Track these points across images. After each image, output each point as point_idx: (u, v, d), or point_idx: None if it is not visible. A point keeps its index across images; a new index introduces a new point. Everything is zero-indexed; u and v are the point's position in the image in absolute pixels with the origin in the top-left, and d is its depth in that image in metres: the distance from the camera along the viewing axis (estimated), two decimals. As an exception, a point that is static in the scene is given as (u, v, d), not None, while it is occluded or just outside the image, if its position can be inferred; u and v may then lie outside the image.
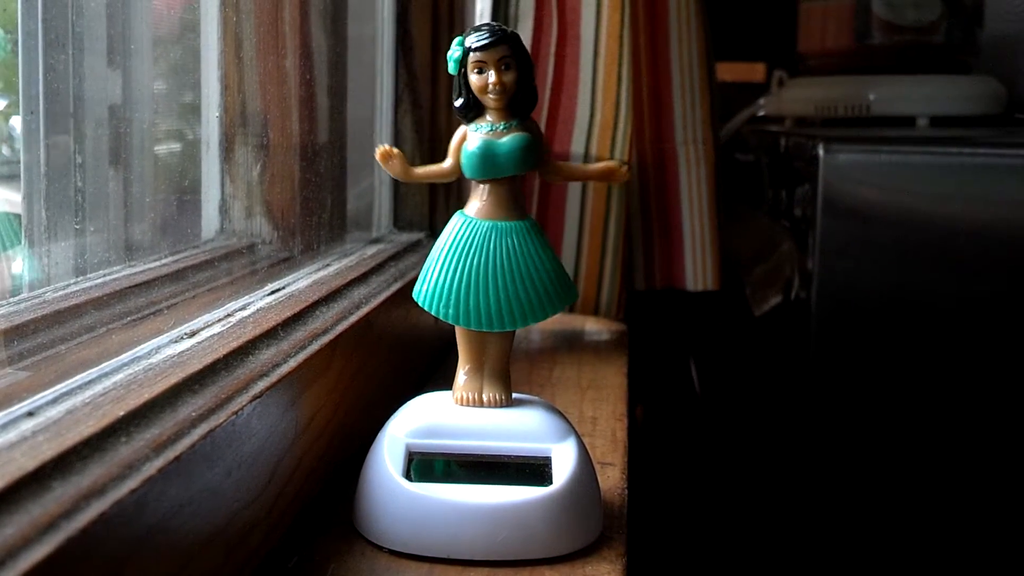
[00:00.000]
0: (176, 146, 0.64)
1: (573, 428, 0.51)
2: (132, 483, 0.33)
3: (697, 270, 1.01)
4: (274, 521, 0.46)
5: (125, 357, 0.44)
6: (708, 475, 1.31)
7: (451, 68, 0.49)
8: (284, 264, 0.66)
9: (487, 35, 0.48)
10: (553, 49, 0.93)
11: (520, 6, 0.93)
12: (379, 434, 0.51)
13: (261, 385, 0.45)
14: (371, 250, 0.79)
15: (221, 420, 0.40)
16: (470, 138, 0.49)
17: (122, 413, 0.37)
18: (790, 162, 1.07)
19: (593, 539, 0.49)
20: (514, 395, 0.51)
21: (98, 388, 0.40)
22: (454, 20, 0.94)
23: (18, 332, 0.43)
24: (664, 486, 1.27)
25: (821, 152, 0.96)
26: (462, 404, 0.50)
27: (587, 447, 0.51)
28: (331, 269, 0.69)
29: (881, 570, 0.98)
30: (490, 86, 0.48)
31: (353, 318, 0.59)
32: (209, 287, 0.57)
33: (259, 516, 0.44)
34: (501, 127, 0.49)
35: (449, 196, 0.93)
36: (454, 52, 0.49)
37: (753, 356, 1.25)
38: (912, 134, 1.15)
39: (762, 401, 1.18)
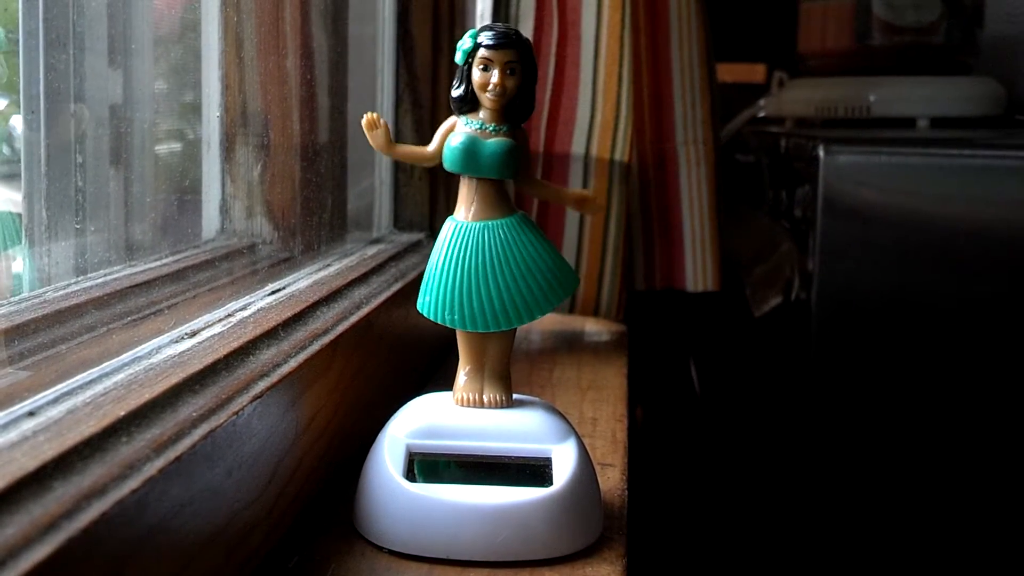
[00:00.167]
0: (177, 146, 0.64)
1: (573, 429, 0.51)
2: (133, 483, 0.33)
3: (697, 271, 1.01)
4: (274, 521, 0.46)
5: (126, 357, 0.44)
6: (708, 475, 1.31)
7: (458, 58, 0.49)
8: (285, 264, 0.66)
9: (500, 36, 0.48)
10: (554, 49, 0.93)
11: (521, 6, 0.93)
12: (379, 434, 0.51)
13: (262, 385, 0.45)
14: (371, 250, 0.79)
15: (222, 420, 0.40)
16: (457, 131, 0.50)
17: (123, 413, 0.37)
18: (790, 163, 1.07)
19: (593, 540, 0.49)
20: (514, 396, 0.51)
21: (99, 388, 0.40)
22: (455, 20, 0.94)
23: (19, 332, 0.42)
24: (664, 487, 1.27)
25: (821, 153, 0.96)
26: (462, 405, 0.50)
27: (587, 448, 0.51)
28: (332, 269, 0.69)
29: (881, 570, 0.98)
30: (491, 86, 0.48)
31: (354, 318, 0.59)
32: (210, 287, 0.57)
33: (260, 516, 0.44)
34: (491, 128, 0.49)
35: (450, 197, 0.93)
36: (464, 43, 0.49)
37: (753, 357, 1.25)
38: (912, 135, 1.15)
39: (762, 402, 1.18)
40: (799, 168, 1.03)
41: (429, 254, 0.50)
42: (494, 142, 0.49)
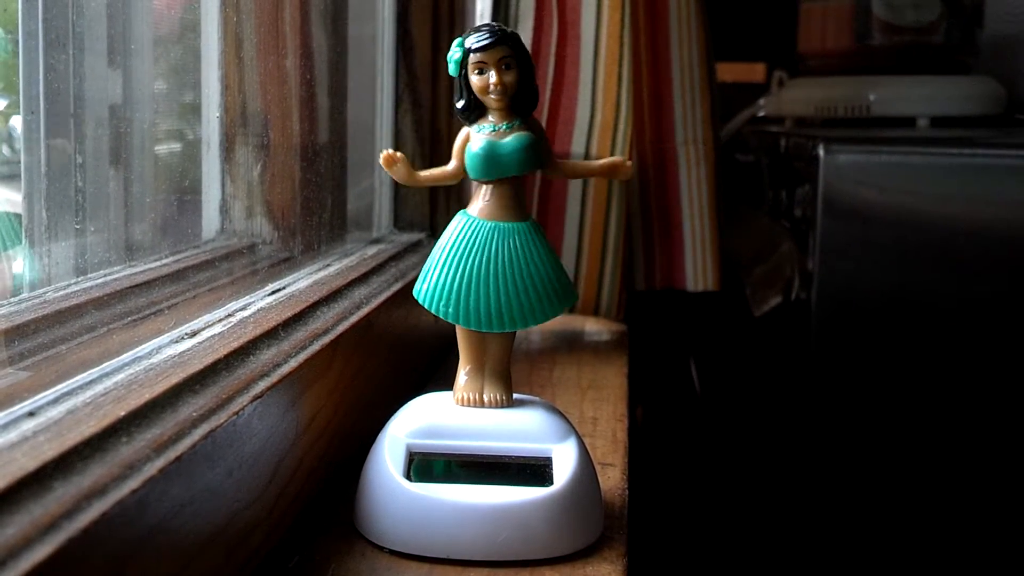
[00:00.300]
0: (176, 146, 0.64)
1: (574, 428, 0.51)
2: (133, 483, 0.33)
3: (697, 270, 1.01)
4: (275, 521, 0.46)
5: (126, 357, 0.44)
6: (708, 475, 1.31)
7: (452, 70, 0.49)
8: (285, 264, 0.66)
9: (487, 35, 0.48)
10: (553, 49, 0.93)
11: (520, 6, 0.93)
12: (380, 434, 0.51)
13: (262, 385, 0.45)
14: (371, 250, 0.79)
15: (222, 420, 0.40)
16: (473, 139, 0.49)
17: (123, 413, 0.37)
18: (790, 162, 1.07)
19: (594, 539, 0.49)
20: (515, 395, 0.51)
21: (99, 388, 0.40)
22: (454, 20, 0.94)
23: (19, 332, 0.42)
24: (664, 486, 1.27)
25: (821, 152, 0.96)
26: (463, 404, 0.50)
27: (587, 447, 0.51)
28: (332, 269, 0.69)
29: (881, 570, 0.98)
30: (491, 86, 0.48)
31: (354, 318, 0.59)
32: (210, 287, 0.57)
33: (260, 516, 0.44)
34: (504, 127, 0.49)
35: (449, 196, 0.93)
36: (454, 54, 0.49)
37: (753, 357, 1.25)
38: (912, 134, 1.15)
39: (762, 402, 1.18)
40: (799, 168, 1.03)
41: (430, 252, 0.50)
42: (512, 139, 0.49)
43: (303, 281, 0.64)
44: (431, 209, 0.92)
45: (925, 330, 0.96)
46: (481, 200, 0.50)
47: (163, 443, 0.36)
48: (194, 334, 0.49)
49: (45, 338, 0.43)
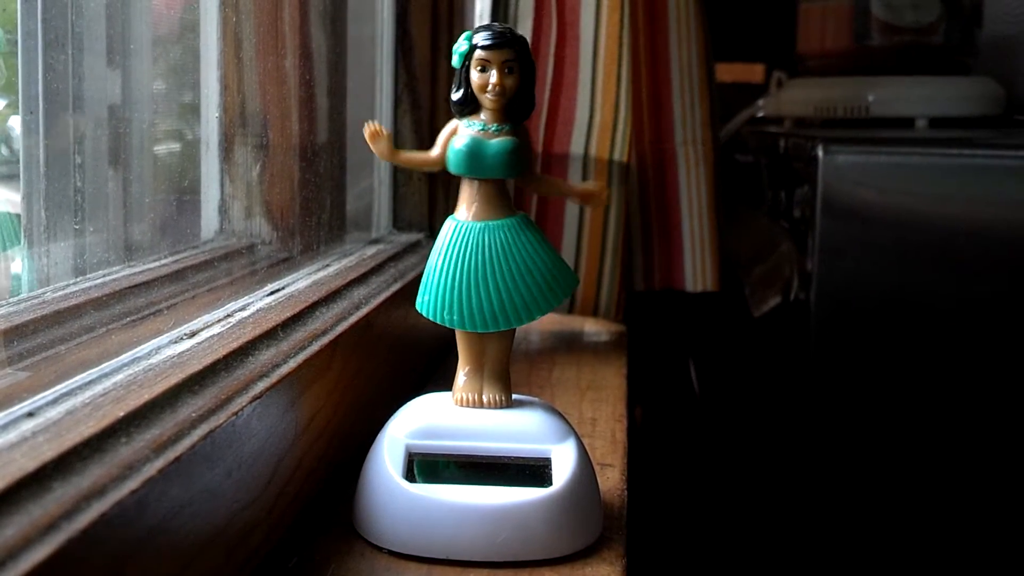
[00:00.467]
0: (175, 146, 0.64)
1: (573, 429, 0.51)
2: (132, 484, 0.33)
3: (696, 271, 1.01)
4: (274, 522, 0.46)
5: (125, 358, 0.44)
6: (707, 476, 1.31)
7: (455, 61, 0.49)
8: (284, 264, 0.66)
9: (496, 36, 0.48)
10: (552, 50, 0.93)
11: (520, 7, 0.93)
12: (379, 435, 0.51)
13: (261, 386, 0.45)
14: (371, 250, 0.79)
15: (221, 421, 0.40)
16: (460, 134, 0.49)
17: (122, 414, 0.37)
18: (789, 163, 1.07)
19: (593, 540, 0.49)
20: (514, 396, 0.51)
21: (98, 389, 0.40)
22: (454, 21, 0.94)
23: (18, 332, 0.42)
24: (664, 487, 1.27)
25: (820, 153, 0.96)
26: (462, 405, 0.50)
27: (587, 448, 0.51)
28: (331, 270, 0.69)
29: (881, 570, 0.98)
30: (490, 86, 0.48)
31: (353, 319, 0.59)
32: (209, 287, 0.57)
33: (259, 517, 0.44)
34: (493, 128, 0.49)
35: (448, 197, 0.93)
36: (460, 46, 0.49)
37: (752, 357, 1.25)
38: (911, 135, 1.15)
39: (761, 402, 1.18)
40: (798, 168, 1.03)
41: (428, 254, 0.50)
42: (497, 142, 0.49)
43: (302, 281, 0.64)
44: (430, 209, 0.92)
45: (924, 330, 0.96)
46: (468, 203, 0.50)
47: (162, 444, 0.36)
48: (193, 334, 0.49)
49: (44, 338, 0.43)
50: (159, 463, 0.35)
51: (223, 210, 0.65)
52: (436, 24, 0.92)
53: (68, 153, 0.52)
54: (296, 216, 0.68)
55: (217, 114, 0.64)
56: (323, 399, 0.53)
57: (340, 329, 0.56)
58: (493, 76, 0.48)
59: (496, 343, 0.50)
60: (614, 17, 0.91)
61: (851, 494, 0.98)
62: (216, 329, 0.50)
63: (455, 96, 0.49)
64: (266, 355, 0.49)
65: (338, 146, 0.77)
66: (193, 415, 0.40)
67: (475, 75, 0.48)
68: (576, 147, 0.93)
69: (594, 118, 0.92)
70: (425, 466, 0.49)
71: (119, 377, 0.41)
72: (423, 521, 0.47)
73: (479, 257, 0.49)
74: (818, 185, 0.96)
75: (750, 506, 1.18)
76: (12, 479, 0.30)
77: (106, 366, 0.43)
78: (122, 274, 0.53)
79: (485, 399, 0.50)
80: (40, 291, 0.48)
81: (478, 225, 0.49)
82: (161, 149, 0.62)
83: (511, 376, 0.51)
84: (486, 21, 1.05)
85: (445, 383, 0.52)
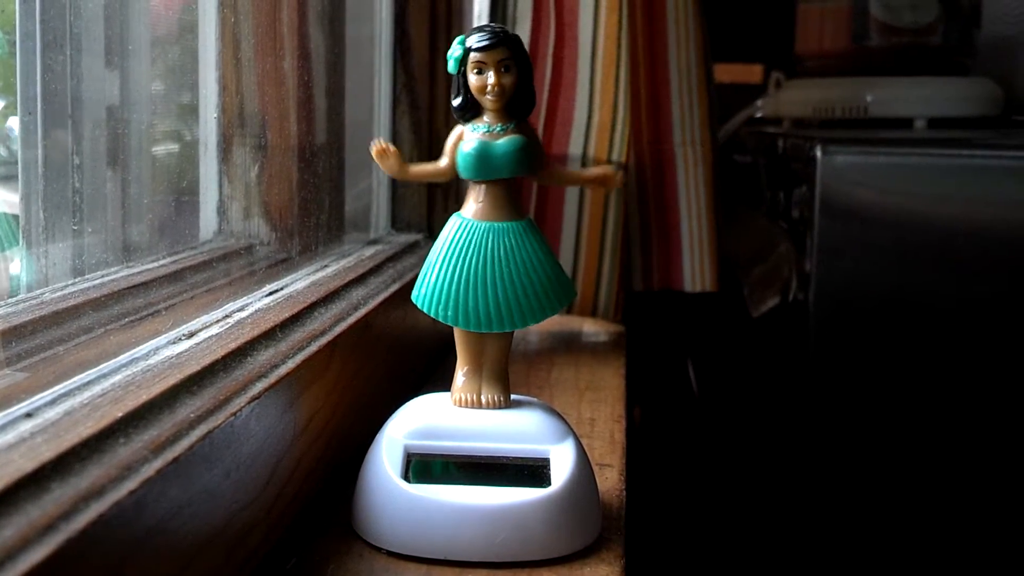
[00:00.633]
0: (174, 147, 0.64)
1: (571, 429, 0.51)
2: (131, 484, 0.33)
3: (695, 271, 1.01)
4: (273, 522, 0.46)
5: (123, 358, 0.44)
6: (706, 476, 1.31)
7: (451, 67, 0.49)
8: (282, 265, 0.66)
9: (488, 36, 0.48)
10: (551, 51, 0.93)
11: (518, 7, 0.93)
12: (377, 435, 0.51)
13: (259, 386, 0.45)
14: (369, 251, 0.79)
15: (219, 421, 0.40)
16: (467, 138, 0.49)
17: (120, 414, 0.37)
18: (788, 163, 1.07)
19: (591, 541, 0.49)
20: (512, 396, 0.51)
21: (96, 389, 0.40)
22: (452, 21, 0.94)
23: (16, 333, 0.42)
24: (662, 487, 1.27)
25: (819, 153, 0.96)
26: (460, 405, 0.50)
27: (585, 448, 0.51)
28: (329, 270, 0.69)
29: (881, 570, 0.98)
30: (489, 87, 0.48)
31: (351, 319, 0.59)
32: (207, 288, 0.57)
33: (258, 517, 0.44)
34: (498, 129, 0.49)
35: (447, 197, 0.93)
36: (454, 51, 0.49)
37: (751, 357, 1.25)
38: (910, 135, 1.15)
39: (760, 402, 1.18)
40: (796, 169, 1.03)
41: (427, 253, 0.50)
42: (505, 142, 0.49)
43: (301, 282, 0.64)
44: (429, 210, 0.92)
45: (923, 331, 0.96)
46: (475, 202, 0.50)
47: (161, 444, 0.36)
48: (192, 335, 0.49)
49: (42, 339, 0.43)
50: (157, 464, 0.35)
51: (221, 211, 0.65)
52: (434, 25, 0.92)
53: (66, 154, 0.52)
54: (295, 217, 0.68)
55: (215, 115, 0.64)
56: (322, 400, 0.53)
57: (339, 330, 0.56)
58: (491, 77, 0.48)
59: (495, 343, 0.50)
60: (612, 18, 0.91)
61: (851, 494, 0.98)
62: (214, 330, 0.50)
63: (455, 102, 0.49)
64: (265, 356, 0.49)
65: (336, 147, 0.77)
66: (191, 416, 0.40)
67: (473, 78, 0.48)
68: (575, 148, 0.93)
69: (592, 119, 0.92)
70: (424, 466, 0.49)
71: (117, 378, 0.41)
72: (422, 521, 0.47)
73: (481, 257, 0.49)
74: (817, 185, 0.96)
75: (749, 506, 1.18)
76: (10, 480, 0.30)
77: (104, 367, 0.43)
78: (120, 275, 0.53)
79: (484, 399, 0.50)
80: (38, 292, 0.48)
81: (483, 225, 0.49)
82: (159, 150, 0.62)
83: (510, 376, 0.51)
84: (484, 22, 1.05)
85: (444, 383, 0.52)
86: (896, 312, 0.96)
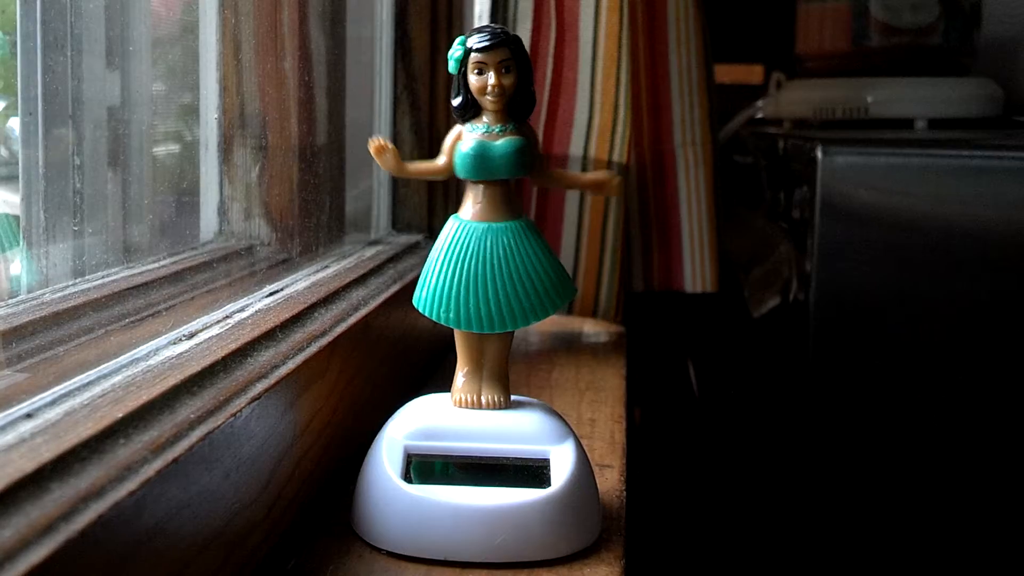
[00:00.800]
0: (175, 147, 0.64)
1: (571, 430, 0.51)
2: (131, 485, 0.33)
3: (695, 272, 1.01)
4: (273, 523, 0.46)
5: (123, 359, 0.44)
6: (706, 477, 1.31)
7: (451, 67, 0.49)
8: (282, 266, 0.66)
9: (489, 37, 0.48)
10: (552, 51, 0.93)
11: (519, 8, 0.93)
12: (377, 436, 0.51)
13: (260, 387, 0.45)
14: (370, 252, 0.79)
15: (220, 422, 0.40)
16: (465, 138, 0.49)
17: (120, 415, 0.37)
18: (788, 164, 1.07)
19: (591, 541, 0.49)
20: (512, 397, 0.51)
21: (96, 390, 0.40)
22: (452, 22, 0.95)
23: (16, 334, 0.42)
24: (662, 488, 1.27)
25: (819, 154, 0.96)
26: (460, 406, 0.50)
27: (585, 449, 0.51)
28: (329, 271, 0.69)
29: (881, 570, 0.98)
30: (489, 88, 0.48)
31: (352, 320, 0.59)
32: (207, 289, 0.57)
33: (258, 518, 0.44)
34: (497, 129, 0.49)
35: (448, 198, 0.93)
36: (455, 52, 0.49)
37: (751, 358, 1.25)
38: (910, 136, 1.15)
39: (760, 403, 1.18)
40: (797, 169, 1.03)
41: (428, 255, 0.50)
42: (503, 143, 0.49)
43: (301, 283, 0.64)
44: (429, 211, 0.92)
45: (923, 331, 0.96)
46: (472, 203, 0.50)
47: (161, 445, 0.36)
48: (192, 336, 0.49)
49: (43, 340, 0.43)
50: (157, 464, 0.35)
51: (222, 211, 0.65)
52: (435, 25, 0.92)
53: (67, 155, 0.52)
54: (295, 217, 0.68)
55: (216, 115, 0.64)
56: (322, 400, 0.53)
57: (339, 330, 0.56)
58: (491, 77, 0.48)
59: (495, 344, 0.51)
60: (613, 18, 0.91)
61: (850, 494, 0.98)
62: (215, 330, 0.50)
63: (455, 102, 0.50)
64: (265, 356, 0.49)
65: (337, 147, 0.77)
66: (191, 416, 0.40)
67: (473, 79, 0.48)
68: (575, 148, 0.93)
69: (593, 119, 0.92)
70: (424, 467, 0.49)
71: (118, 378, 0.41)
72: (422, 522, 0.47)
73: (480, 258, 0.49)
74: (817, 186, 0.96)
75: (749, 507, 1.18)
76: (10, 480, 0.30)
77: (105, 367, 0.43)
78: (121, 275, 0.53)
79: (484, 400, 0.50)
80: (39, 292, 0.48)
81: (481, 226, 0.49)
82: (160, 150, 0.62)
83: (510, 377, 0.51)
84: (485, 22, 1.05)
85: (444, 384, 0.53)
86: (896, 312, 0.96)
